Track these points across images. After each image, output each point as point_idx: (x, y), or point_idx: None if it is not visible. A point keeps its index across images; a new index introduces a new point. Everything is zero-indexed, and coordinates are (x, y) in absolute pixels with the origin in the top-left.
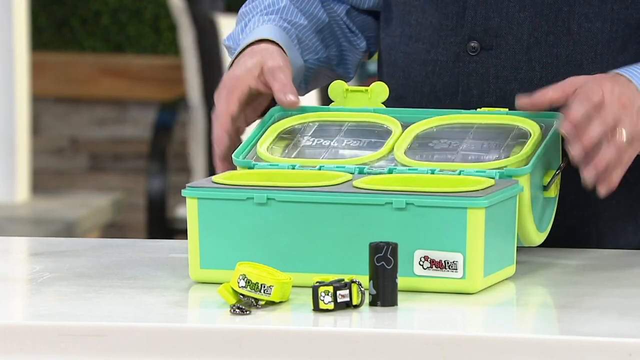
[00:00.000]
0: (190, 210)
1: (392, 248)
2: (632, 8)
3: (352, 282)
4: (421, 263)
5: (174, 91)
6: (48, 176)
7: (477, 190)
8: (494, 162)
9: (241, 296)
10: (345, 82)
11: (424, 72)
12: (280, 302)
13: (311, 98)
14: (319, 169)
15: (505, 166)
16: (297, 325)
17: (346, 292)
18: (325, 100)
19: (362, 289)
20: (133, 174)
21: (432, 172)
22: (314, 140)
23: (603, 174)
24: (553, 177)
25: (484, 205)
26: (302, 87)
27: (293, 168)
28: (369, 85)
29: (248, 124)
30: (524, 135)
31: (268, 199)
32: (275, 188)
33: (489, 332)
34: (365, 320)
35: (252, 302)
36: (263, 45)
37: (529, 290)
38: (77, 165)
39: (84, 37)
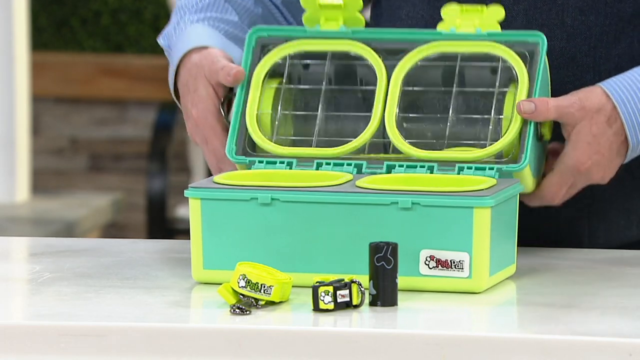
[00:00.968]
0: (193, 210)
1: (392, 248)
2: (625, 1)
3: (352, 282)
4: (427, 263)
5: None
6: (48, 176)
7: (482, 189)
8: (490, 148)
9: (241, 296)
10: None
11: None
12: (280, 302)
13: None
14: (317, 168)
15: (501, 151)
16: (297, 325)
17: (346, 292)
18: None
19: (362, 289)
20: (133, 174)
21: (431, 171)
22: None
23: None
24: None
25: (490, 205)
26: None
27: (290, 167)
28: None
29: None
30: (510, 75)
31: (272, 199)
32: (279, 188)
33: (489, 332)
34: (365, 321)
35: (252, 302)
36: (197, 58)
37: (529, 290)
38: (77, 165)
39: (84, 37)
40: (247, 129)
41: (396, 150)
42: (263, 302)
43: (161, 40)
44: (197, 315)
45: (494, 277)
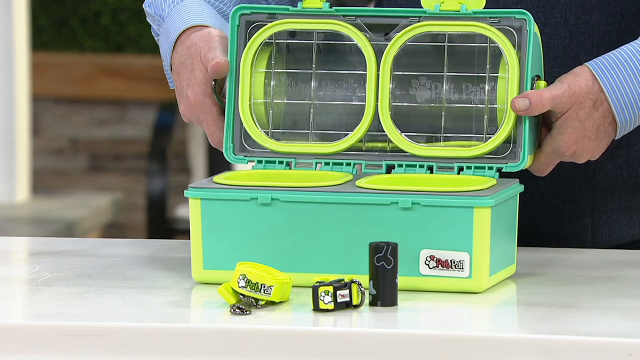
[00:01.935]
0: (193, 210)
1: (392, 248)
2: (628, 0)
3: (352, 282)
4: (427, 263)
5: (174, 91)
6: (48, 176)
7: (482, 189)
8: (487, 144)
9: (241, 296)
10: None
11: None
12: (280, 302)
13: None
14: (317, 168)
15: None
16: (297, 325)
17: (346, 292)
18: None
19: (362, 289)
20: (133, 174)
21: (431, 171)
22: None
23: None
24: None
25: (490, 205)
26: None
27: (289, 167)
28: None
29: None
30: (500, 56)
31: (272, 199)
32: (279, 188)
33: (489, 332)
34: (365, 320)
35: (252, 302)
36: (196, 38)
37: (529, 290)
38: (77, 166)
39: (84, 37)
40: (242, 124)
41: (394, 145)
42: (263, 302)
43: (147, 8)
44: (197, 315)
45: (494, 277)
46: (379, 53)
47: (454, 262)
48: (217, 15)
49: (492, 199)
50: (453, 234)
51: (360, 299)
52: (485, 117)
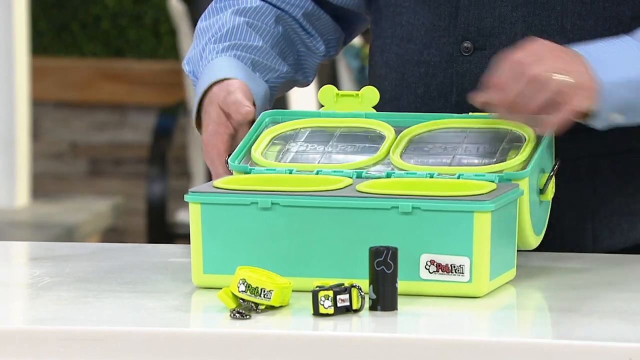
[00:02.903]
0: (193, 215)
1: (392, 252)
2: (623, 5)
3: (352, 286)
4: (427, 267)
5: (174, 96)
6: (48, 181)
7: (482, 194)
8: (492, 166)
9: (241, 301)
10: (304, 86)
11: (417, 72)
12: (280, 307)
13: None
14: (317, 173)
15: (503, 170)
16: (297, 330)
17: (346, 296)
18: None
19: (362, 294)
20: (133, 178)
21: (431, 176)
22: (307, 146)
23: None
24: (548, 179)
25: (491, 209)
26: (271, 103)
27: (290, 172)
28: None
29: None
30: (518, 139)
31: (272, 203)
32: (279, 193)
33: (489, 337)
34: (365, 325)
35: (252, 306)
36: (216, 89)
37: (529, 294)
38: (77, 170)
39: (84, 42)
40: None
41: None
42: (263, 307)
43: (185, 66)
44: (197, 320)
45: (494, 282)
46: (398, 131)
47: (454, 267)
48: (243, 67)
49: (492, 203)
50: (453, 238)
51: (360, 304)
52: (497, 154)
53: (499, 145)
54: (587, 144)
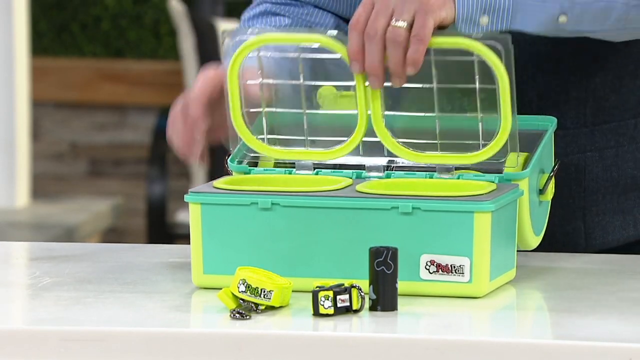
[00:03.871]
0: (193, 215)
1: (392, 253)
2: None
3: (352, 286)
4: (427, 267)
5: (174, 96)
6: (48, 181)
7: (482, 194)
8: (485, 152)
9: (241, 301)
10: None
11: None
12: (280, 307)
13: None
14: (316, 173)
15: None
16: (297, 330)
17: (346, 296)
18: None
19: (362, 294)
20: (133, 179)
21: (431, 177)
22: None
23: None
24: (548, 179)
25: (491, 209)
26: None
27: (290, 173)
28: None
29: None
30: (487, 70)
31: (272, 204)
32: (279, 193)
33: (489, 337)
34: (365, 325)
35: (252, 306)
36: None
37: (529, 295)
38: (77, 170)
39: (84, 42)
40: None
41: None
42: (263, 307)
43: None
44: (197, 320)
45: (494, 282)
46: None
47: (454, 267)
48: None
49: (492, 203)
50: (453, 238)
51: (360, 304)
52: (480, 124)
53: (474, 93)
54: (575, 140)
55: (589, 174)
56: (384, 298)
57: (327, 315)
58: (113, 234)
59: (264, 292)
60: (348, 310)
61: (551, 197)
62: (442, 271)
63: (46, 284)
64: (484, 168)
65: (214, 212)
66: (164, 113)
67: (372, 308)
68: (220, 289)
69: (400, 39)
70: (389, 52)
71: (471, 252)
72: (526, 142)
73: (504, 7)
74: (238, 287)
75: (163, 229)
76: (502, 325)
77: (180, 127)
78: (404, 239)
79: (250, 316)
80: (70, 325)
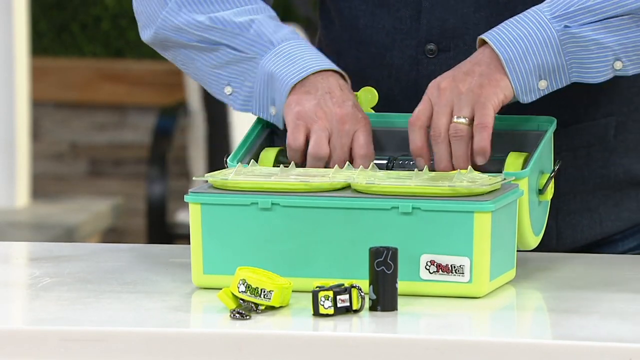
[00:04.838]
0: (193, 215)
1: (392, 253)
2: None
3: (352, 286)
4: (427, 267)
5: (174, 96)
6: (48, 181)
7: (482, 194)
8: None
9: (241, 301)
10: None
11: (379, 76)
12: (280, 307)
13: None
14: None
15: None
16: (297, 330)
17: (346, 297)
18: None
19: (362, 294)
20: (133, 179)
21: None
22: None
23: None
24: (548, 180)
25: (491, 209)
26: None
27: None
28: None
29: None
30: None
31: (272, 204)
32: (279, 193)
33: (489, 337)
34: (365, 325)
35: (252, 306)
36: (343, 84)
37: (529, 295)
38: (77, 170)
39: (84, 42)
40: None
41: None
42: (263, 307)
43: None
44: (197, 320)
45: (494, 282)
46: None
47: (455, 267)
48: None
49: (492, 203)
50: (453, 238)
51: (360, 304)
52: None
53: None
54: (553, 140)
55: (563, 174)
56: (384, 298)
57: (327, 315)
58: (113, 234)
59: (264, 292)
60: (348, 310)
61: (550, 197)
62: (442, 271)
63: (46, 284)
64: (484, 168)
65: (214, 212)
66: (164, 113)
67: (372, 308)
68: (220, 289)
69: (462, 134)
70: (454, 148)
71: (471, 252)
72: (526, 142)
73: (559, 66)
74: (238, 287)
75: (163, 229)
76: (502, 325)
77: None
78: (404, 239)
79: (250, 316)
80: (70, 325)
